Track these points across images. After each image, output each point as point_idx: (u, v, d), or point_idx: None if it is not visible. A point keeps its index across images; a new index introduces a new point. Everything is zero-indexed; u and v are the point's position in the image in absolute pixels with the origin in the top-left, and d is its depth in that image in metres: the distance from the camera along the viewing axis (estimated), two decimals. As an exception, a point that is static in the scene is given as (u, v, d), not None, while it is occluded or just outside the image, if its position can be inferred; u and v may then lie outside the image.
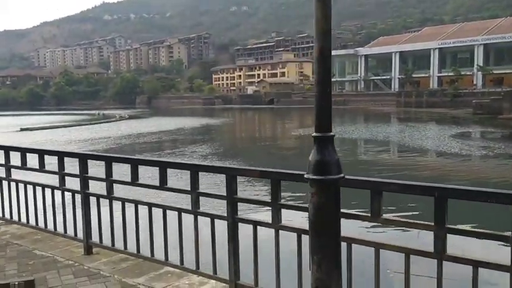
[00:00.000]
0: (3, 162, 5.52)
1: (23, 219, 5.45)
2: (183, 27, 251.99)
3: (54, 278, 4.04)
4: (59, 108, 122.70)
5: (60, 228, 4.99)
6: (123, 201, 4.28)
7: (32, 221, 5.30)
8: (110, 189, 4.38)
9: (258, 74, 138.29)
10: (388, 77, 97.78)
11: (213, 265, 3.64)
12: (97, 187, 4.72)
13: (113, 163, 4.39)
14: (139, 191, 4.48)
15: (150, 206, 4.06)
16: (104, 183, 4.43)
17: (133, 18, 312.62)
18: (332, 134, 2.23)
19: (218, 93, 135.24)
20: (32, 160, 5.32)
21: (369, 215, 2.70)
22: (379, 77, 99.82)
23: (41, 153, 5.06)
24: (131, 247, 4.32)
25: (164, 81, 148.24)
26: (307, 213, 3.30)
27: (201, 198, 3.73)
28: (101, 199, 4.51)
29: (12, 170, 5.54)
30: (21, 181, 5.35)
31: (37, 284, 3.91)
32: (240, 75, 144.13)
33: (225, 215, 3.51)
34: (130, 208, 4.29)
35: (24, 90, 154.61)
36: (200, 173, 3.73)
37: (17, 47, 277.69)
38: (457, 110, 65.31)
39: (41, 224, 5.21)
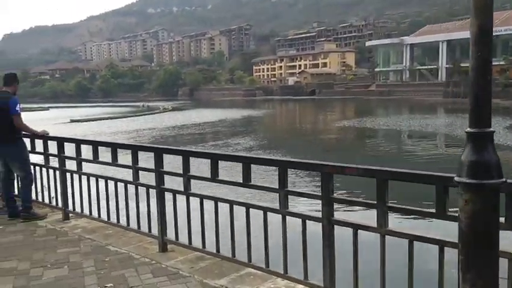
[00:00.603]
0: (74, 155, 5.47)
1: (94, 213, 5.38)
2: (224, 19, 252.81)
3: (134, 277, 3.89)
4: (105, 100, 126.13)
5: (133, 224, 4.87)
6: (201, 197, 4.08)
7: (104, 216, 5.21)
8: (187, 185, 4.18)
9: (299, 65, 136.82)
10: (435, 66, 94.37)
11: (304, 270, 3.37)
12: (169, 182, 4.56)
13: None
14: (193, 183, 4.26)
15: (232, 203, 3.83)
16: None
17: (175, 11, 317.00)
18: (491, 130, 1.89)
19: (259, 84, 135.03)
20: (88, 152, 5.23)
21: (503, 221, 2.34)
22: (425, 67, 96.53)
23: (114, 146, 4.94)
24: (209, 246, 4.13)
25: (206, 73, 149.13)
26: (417, 216, 3.00)
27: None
28: (177, 195, 4.33)
29: (82, 163, 5.47)
30: (93, 175, 5.27)
31: (117, 283, 3.79)
32: (280, 66, 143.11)
33: (319, 216, 3.23)
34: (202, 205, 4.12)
35: (73, 83, 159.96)
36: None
37: (65, 41, 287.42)
38: (509, 100, 62.15)
39: (113, 218, 5.11)
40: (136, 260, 4.31)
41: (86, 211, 5.46)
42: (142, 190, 4.66)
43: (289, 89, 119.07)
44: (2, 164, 5.82)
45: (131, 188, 4.79)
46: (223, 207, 3.95)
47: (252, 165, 3.68)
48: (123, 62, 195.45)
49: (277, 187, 3.45)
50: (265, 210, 3.58)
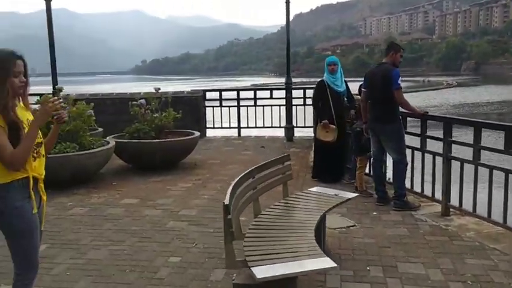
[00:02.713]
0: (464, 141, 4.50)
1: (495, 217, 4.30)
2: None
3: None
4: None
5: None
6: None
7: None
8: None
9: None
10: None
11: None
12: None
13: None
14: None
15: None
16: None
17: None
18: None
19: None
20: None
21: None
22: None
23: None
24: None
25: (496, 45, 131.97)
26: None
27: None
28: None
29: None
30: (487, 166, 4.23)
31: None
32: None
33: None
34: None
35: (351, 58, 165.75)
36: None
37: (346, 17, 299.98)
38: None
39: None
40: None
41: (481, 211, 4.43)
42: None
43: None
44: (374, 142, 5.33)
45: None
46: None
47: None
48: (402, 35, 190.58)
49: None
50: None
